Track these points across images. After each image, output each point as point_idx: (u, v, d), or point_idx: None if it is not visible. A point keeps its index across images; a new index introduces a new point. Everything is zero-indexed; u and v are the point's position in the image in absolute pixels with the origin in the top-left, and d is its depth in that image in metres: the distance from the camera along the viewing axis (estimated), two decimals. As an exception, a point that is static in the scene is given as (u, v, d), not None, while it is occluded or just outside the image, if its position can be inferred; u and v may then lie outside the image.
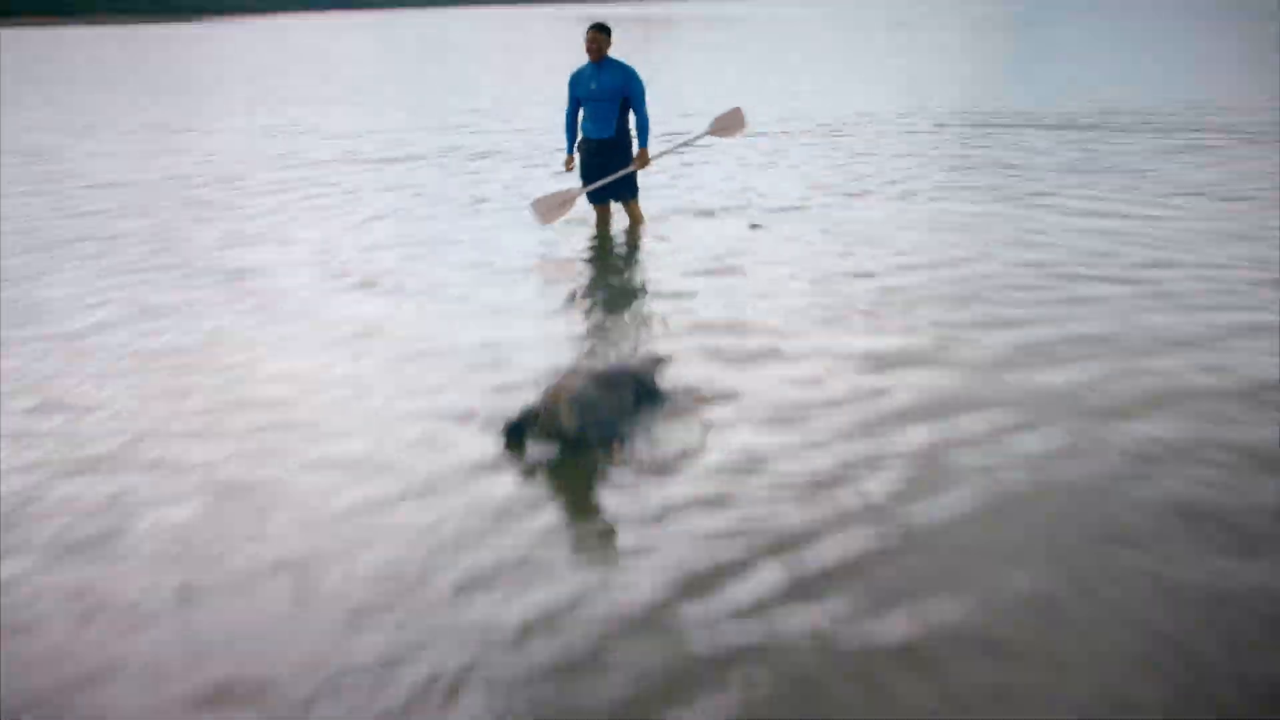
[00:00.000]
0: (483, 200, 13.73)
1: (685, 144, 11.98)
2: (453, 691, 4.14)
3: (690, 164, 15.93)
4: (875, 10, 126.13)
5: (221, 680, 4.31)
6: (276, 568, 5.10)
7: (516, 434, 5.92)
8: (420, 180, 15.53)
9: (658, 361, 7.13)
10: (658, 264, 10.31)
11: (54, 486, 5.99)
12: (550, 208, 10.60)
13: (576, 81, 10.37)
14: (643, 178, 11.78)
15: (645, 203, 11.99)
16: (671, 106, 22.00)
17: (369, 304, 9.30)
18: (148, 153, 19.29)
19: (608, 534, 5.32)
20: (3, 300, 9.66)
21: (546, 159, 16.37)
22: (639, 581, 4.82)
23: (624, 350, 7.80)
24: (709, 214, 12.26)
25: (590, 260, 10.65)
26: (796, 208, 12.62)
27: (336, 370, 7.68)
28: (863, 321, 8.32)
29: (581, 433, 5.75)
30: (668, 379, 6.96)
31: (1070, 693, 4.09)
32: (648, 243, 11.08)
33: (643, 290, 9.60)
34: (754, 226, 11.64)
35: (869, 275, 9.67)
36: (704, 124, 11.73)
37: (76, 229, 12.65)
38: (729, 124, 10.99)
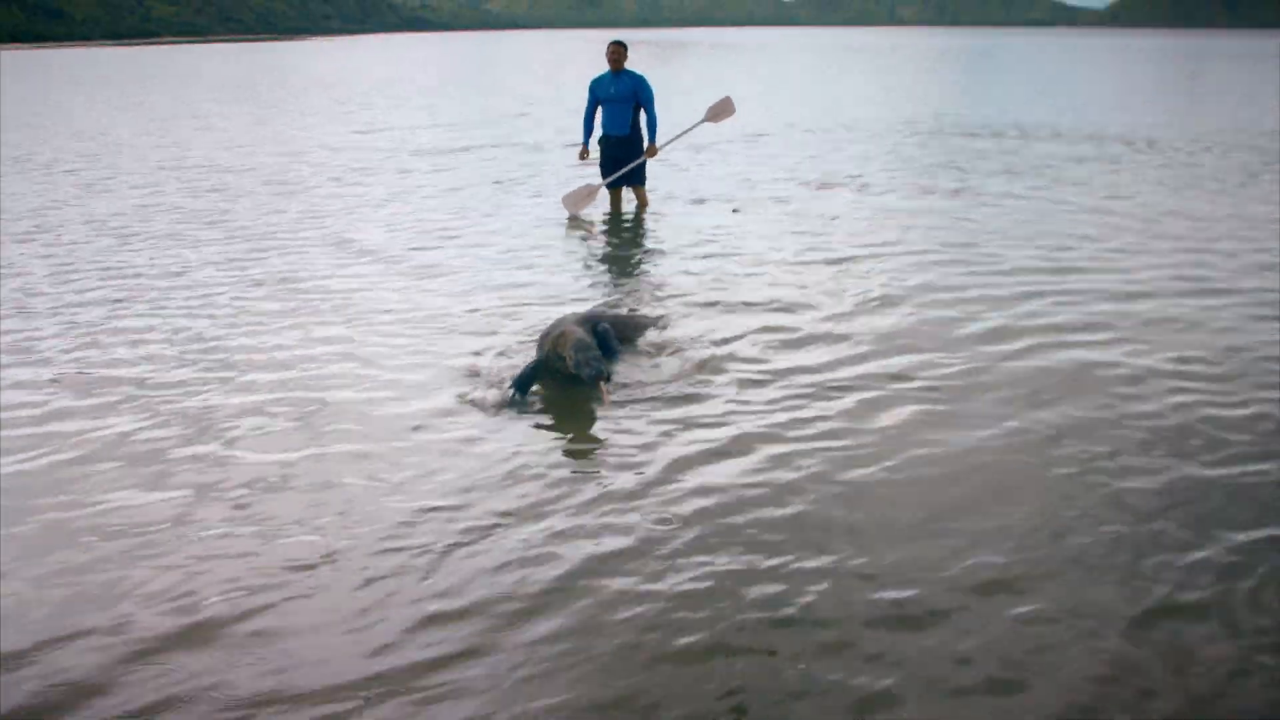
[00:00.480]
0: (519, 183, 13.79)
1: (685, 133, 11.87)
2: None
3: (694, 159, 15.88)
4: (850, 37, 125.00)
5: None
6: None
7: (525, 385, 5.80)
8: (475, 168, 15.57)
9: (647, 316, 7.19)
10: (656, 239, 10.37)
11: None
12: (578, 200, 10.83)
13: (597, 86, 10.61)
14: (653, 167, 12.02)
15: (655, 189, 12.19)
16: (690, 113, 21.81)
17: (432, 253, 9.82)
18: (254, 144, 19.23)
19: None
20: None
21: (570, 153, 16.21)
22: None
23: (620, 306, 7.85)
24: (701, 201, 12.30)
25: (604, 233, 10.79)
26: (776, 198, 12.54)
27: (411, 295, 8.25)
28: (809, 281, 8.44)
29: (578, 370, 5.65)
30: (654, 329, 7.02)
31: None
32: (649, 221, 11.11)
33: (643, 259, 9.64)
34: (735, 211, 11.67)
35: (823, 250, 9.68)
36: (700, 114, 11.69)
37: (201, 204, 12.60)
38: (720, 110, 11.02)
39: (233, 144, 19.25)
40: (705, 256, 9.48)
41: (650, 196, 11.77)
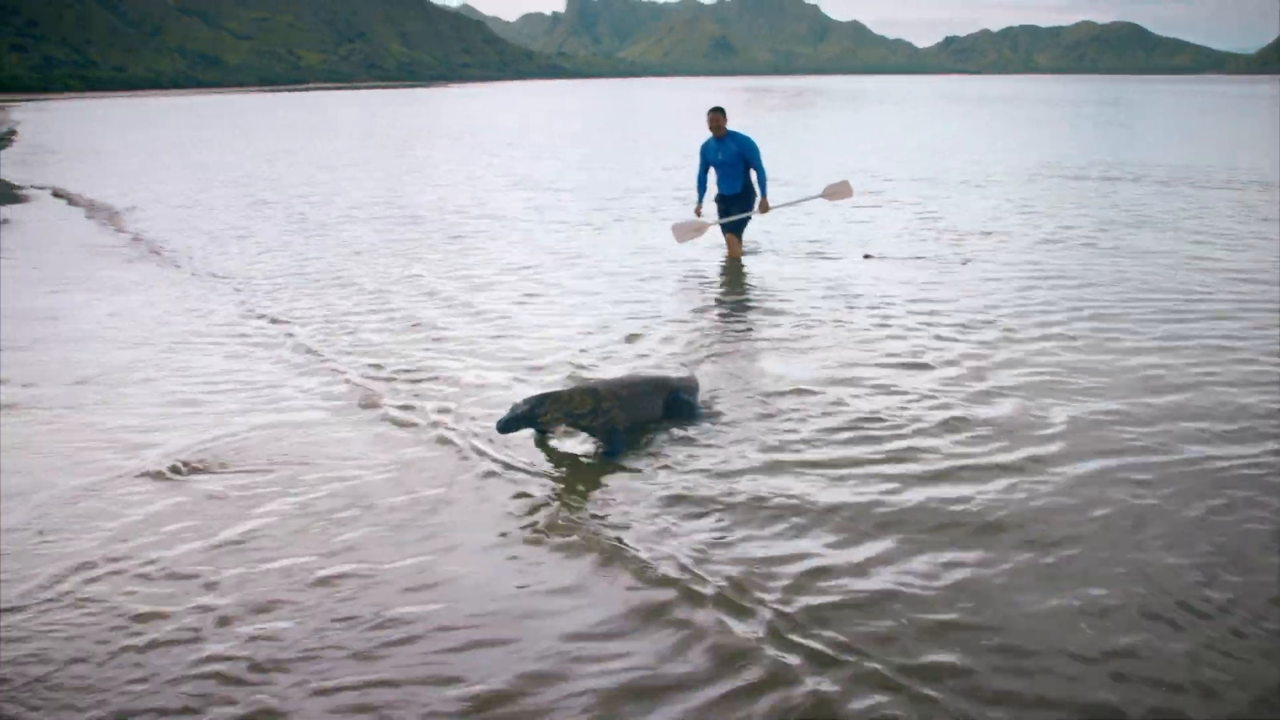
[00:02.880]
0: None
1: (799, 202, 12.05)
2: None
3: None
4: (985, 86, 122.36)
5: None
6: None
7: (516, 426, 5.07)
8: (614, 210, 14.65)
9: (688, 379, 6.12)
10: (783, 284, 9.53)
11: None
12: (686, 231, 10.93)
13: (706, 151, 10.76)
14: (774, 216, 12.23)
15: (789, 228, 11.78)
16: (842, 163, 20.78)
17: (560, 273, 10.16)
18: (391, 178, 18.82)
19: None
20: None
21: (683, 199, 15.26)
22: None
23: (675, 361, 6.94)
24: (827, 243, 11.65)
25: (715, 276, 10.24)
26: (908, 244, 11.53)
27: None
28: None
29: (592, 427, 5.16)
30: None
31: None
32: (766, 267, 10.36)
33: (743, 304, 8.56)
34: (867, 257, 10.82)
35: (952, 303, 8.34)
36: (818, 188, 11.63)
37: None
38: (837, 191, 11.11)
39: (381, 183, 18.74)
40: (832, 299, 8.38)
41: (780, 240, 11.62)
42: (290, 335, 7.74)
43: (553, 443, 5.33)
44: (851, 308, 8.31)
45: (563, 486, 4.79)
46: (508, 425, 5.01)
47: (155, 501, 4.59)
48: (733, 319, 8.13)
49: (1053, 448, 5.09)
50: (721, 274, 10.31)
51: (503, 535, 4.30)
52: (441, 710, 3.15)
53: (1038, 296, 8.53)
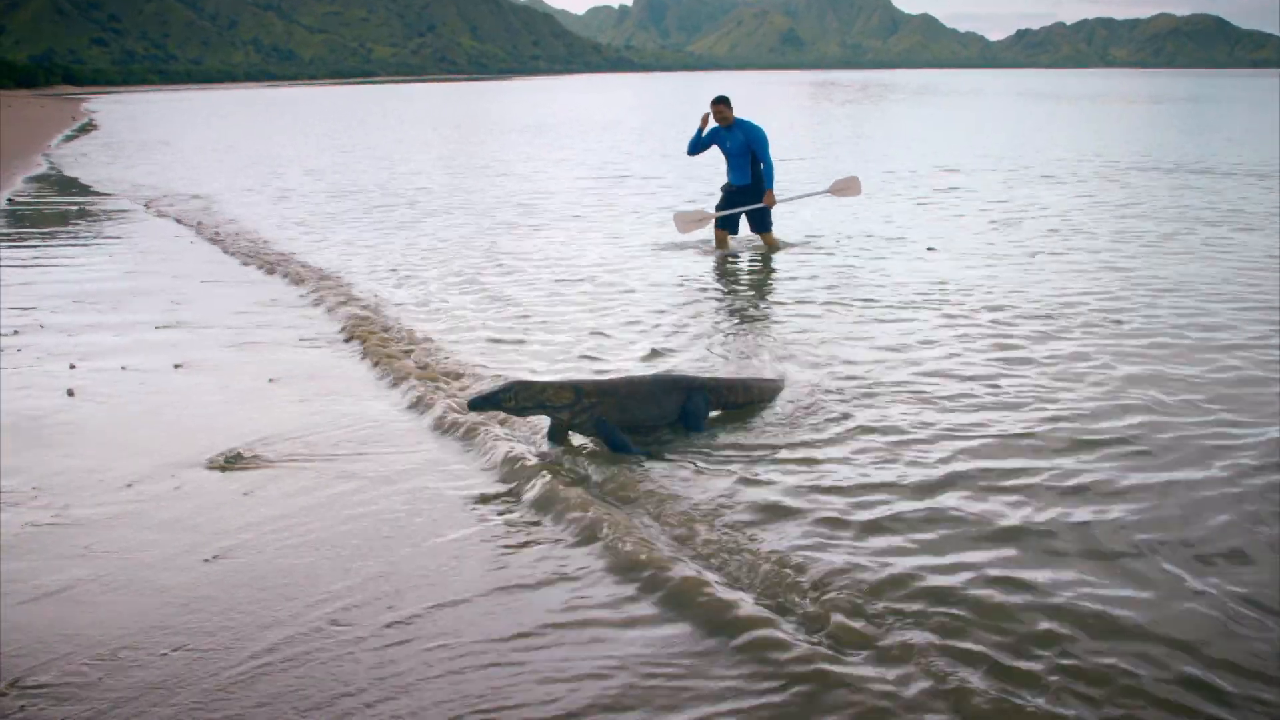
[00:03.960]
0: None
1: (804, 196, 11.78)
2: None
3: (889, 190, 14.17)
4: (1059, 80, 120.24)
5: None
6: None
7: (484, 405, 4.96)
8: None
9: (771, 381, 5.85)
10: (851, 277, 9.03)
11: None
12: (688, 222, 10.78)
13: (714, 136, 10.46)
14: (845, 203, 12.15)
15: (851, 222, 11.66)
16: (921, 157, 20.36)
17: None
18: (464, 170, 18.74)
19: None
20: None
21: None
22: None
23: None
24: (898, 239, 11.13)
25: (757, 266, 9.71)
26: (973, 236, 11.12)
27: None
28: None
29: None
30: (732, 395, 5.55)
31: None
32: (839, 258, 9.95)
33: (825, 302, 8.06)
34: (930, 250, 10.43)
35: (1018, 295, 7.87)
36: (825, 184, 11.58)
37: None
38: (846, 188, 11.05)
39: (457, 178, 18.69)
40: (899, 304, 7.99)
41: (843, 230, 11.37)
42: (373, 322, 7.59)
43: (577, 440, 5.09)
44: (918, 304, 7.91)
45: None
46: (477, 404, 4.94)
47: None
48: (797, 313, 7.77)
49: (1173, 459, 4.74)
50: (755, 267, 9.93)
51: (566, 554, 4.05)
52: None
53: (1114, 292, 8.09)
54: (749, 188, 10.42)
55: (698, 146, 10.45)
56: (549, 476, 4.55)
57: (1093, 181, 15.99)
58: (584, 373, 6.16)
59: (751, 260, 10.22)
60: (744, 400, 5.49)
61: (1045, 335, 6.87)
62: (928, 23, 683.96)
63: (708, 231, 10.79)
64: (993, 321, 7.28)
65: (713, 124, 10.35)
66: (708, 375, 5.79)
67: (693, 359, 6.58)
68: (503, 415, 5.21)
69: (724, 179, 10.60)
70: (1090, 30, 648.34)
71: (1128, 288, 8.33)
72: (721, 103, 10.25)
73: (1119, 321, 7.18)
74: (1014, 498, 4.31)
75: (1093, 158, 20.05)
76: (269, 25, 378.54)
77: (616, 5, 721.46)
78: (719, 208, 10.64)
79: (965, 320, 7.36)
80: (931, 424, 5.16)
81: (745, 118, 10.48)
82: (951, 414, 5.31)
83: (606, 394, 5.01)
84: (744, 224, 10.61)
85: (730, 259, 10.24)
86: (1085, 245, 10.39)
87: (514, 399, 4.89)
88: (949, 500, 4.28)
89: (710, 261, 10.12)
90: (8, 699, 3.03)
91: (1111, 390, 5.65)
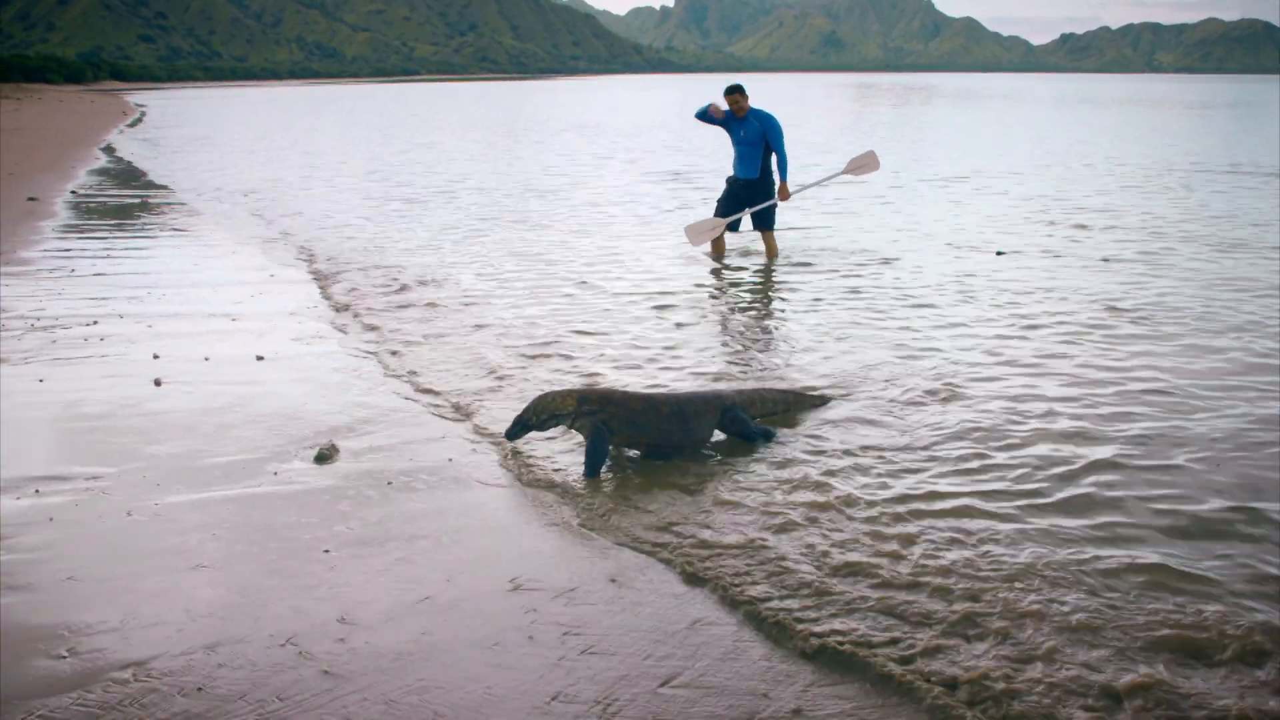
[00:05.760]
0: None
1: (823, 182, 11.37)
2: None
3: (947, 194, 14.02)
4: (1104, 85, 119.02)
5: None
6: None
7: (520, 431, 4.83)
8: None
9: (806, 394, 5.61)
10: (919, 284, 8.81)
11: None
12: (700, 232, 10.14)
13: (726, 125, 9.88)
14: (903, 204, 11.76)
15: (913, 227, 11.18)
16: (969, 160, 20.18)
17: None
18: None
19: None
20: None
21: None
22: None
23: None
24: (962, 244, 10.85)
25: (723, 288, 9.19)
26: (1039, 242, 10.89)
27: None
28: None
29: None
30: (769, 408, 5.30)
31: None
32: (904, 264, 9.68)
33: (879, 308, 7.92)
34: (999, 254, 10.20)
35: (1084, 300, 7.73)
36: (841, 165, 10.89)
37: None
38: (863, 164, 10.44)
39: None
40: (972, 301, 7.85)
41: (908, 234, 11.01)
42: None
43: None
44: (992, 315, 7.66)
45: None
46: (513, 432, 4.81)
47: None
48: (868, 319, 7.54)
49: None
50: (764, 276, 9.44)
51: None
52: None
53: (1191, 296, 7.96)
54: (756, 182, 9.88)
55: (705, 119, 9.82)
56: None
57: (1155, 182, 15.80)
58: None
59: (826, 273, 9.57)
60: (775, 411, 5.29)
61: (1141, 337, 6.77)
62: (970, 26, 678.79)
63: (733, 240, 10.41)
64: (1091, 326, 7.16)
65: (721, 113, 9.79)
66: (745, 389, 5.50)
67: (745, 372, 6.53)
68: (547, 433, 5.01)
69: (729, 171, 10.06)
70: (1136, 35, 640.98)
71: (1223, 289, 8.20)
72: (736, 92, 9.77)
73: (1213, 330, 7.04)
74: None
75: (1157, 161, 19.81)
76: (313, 23, 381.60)
77: (658, 6, 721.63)
78: (721, 200, 10.10)
79: (1053, 327, 7.18)
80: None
81: (760, 107, 9.95)
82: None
83: (622, 405, 4.79)
84: (745, 220, 10.11)
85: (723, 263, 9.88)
86: (1161, 245, 10.23)
87: (534, 415, 4.77)
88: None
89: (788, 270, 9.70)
90: (131, 685, 3.03)
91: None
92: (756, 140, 9.74)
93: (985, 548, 3.79)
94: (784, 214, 10.60)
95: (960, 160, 20.37)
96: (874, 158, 10.45)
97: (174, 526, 4.07)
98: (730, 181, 10.05)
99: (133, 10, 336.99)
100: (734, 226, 10.10)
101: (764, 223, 10.02)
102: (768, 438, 4.98)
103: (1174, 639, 3.19)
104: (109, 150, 25.00)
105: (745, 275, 9.53)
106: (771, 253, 10.09)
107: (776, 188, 9.89)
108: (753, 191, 9.91)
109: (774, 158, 9.86)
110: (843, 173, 10.57)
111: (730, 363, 6.49)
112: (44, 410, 5.47)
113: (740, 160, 9.89)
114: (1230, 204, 13.52)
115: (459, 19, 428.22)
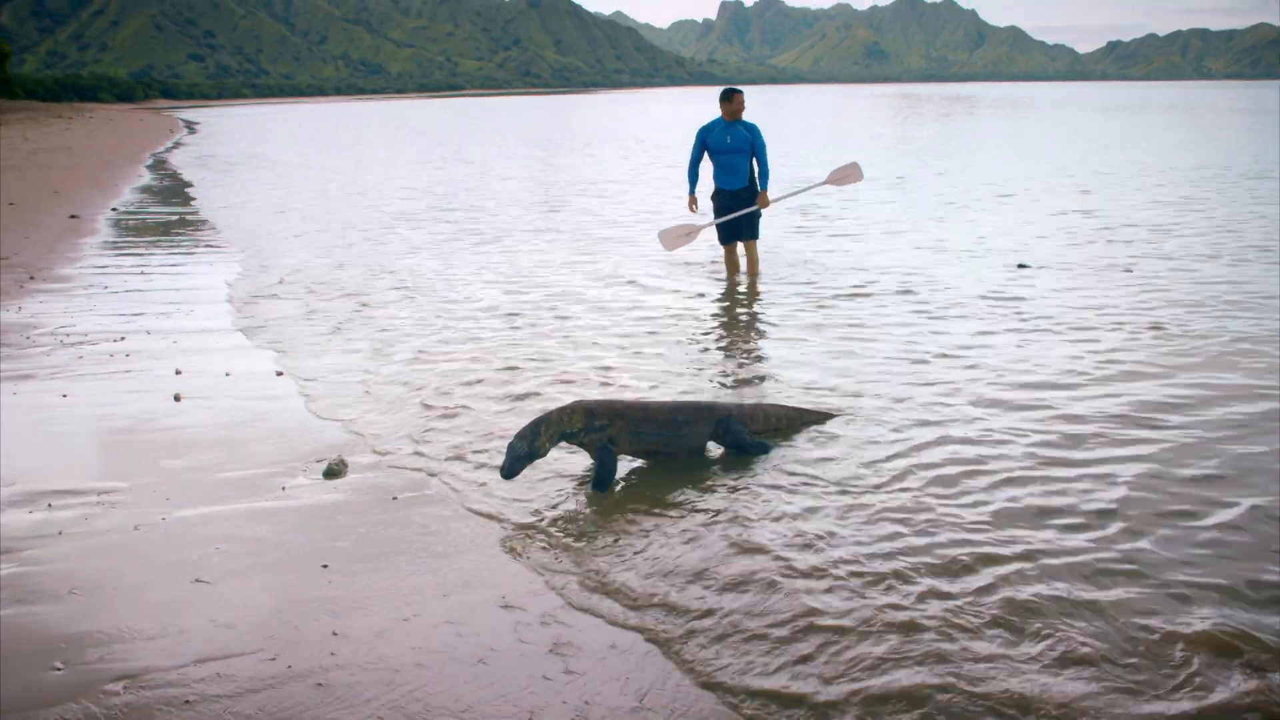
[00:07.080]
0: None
1: (803, 190, 11.47)
2: None
3: (974, 203, 13.92)
4: (1153, 92, 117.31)
5: None
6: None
7: (521, 466, 4.58)
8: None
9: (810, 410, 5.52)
10: (932, 295, 8.72)
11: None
12: (675, 237, 9.91)
13: (707, 134, 9.68)
14: (921, 214, 11.41)
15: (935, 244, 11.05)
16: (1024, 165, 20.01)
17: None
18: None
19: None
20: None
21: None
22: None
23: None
24: (982, 255, 10.79)
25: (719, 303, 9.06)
26: (1061, 252, 10.74)
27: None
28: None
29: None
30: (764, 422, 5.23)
31: None
32: (915, 279, 9.56)
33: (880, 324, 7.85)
34: (1021, 266, 10.04)
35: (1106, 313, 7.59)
36: (823, 174, 11.06)
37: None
38: (846, 176, 10.19)
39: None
40: (998, 313, 7.76)
41: (925, 249, 10.76)
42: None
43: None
44: (1019, 327, 7.54)
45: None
46: (513, 468, 4.52)
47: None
48: (893, 335, 7.45)
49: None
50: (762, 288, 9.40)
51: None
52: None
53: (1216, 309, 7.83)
54: (743, 191, 9.64)
55: (695, 163, 9.72)
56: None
57: (1188, 191, 15.57)
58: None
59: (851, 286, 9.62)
60: (778, 427, 5.24)
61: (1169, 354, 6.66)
62: (1015, 35, 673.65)
63: (708, 250, 10.23)
64: (1128, 342, 7.02)
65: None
66: (744, 403, 5.47)
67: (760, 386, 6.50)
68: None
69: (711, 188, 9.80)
70: (1184, 41, 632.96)
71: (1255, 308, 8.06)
72: (738, 93, 9.68)
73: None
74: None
75: (1197, 166, 19.52)
76: (358, 40, 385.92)
77: (700, 19, 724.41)
78: (717, 223, 9.80)
79: (1090, 344, 7.02)
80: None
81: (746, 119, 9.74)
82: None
83: (626, 418, 4.75)
84: (712, 231, 9.94)
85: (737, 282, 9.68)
86: (1190, 255, 10.09)
87: (544, 440, 4.59)
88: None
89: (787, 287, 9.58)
90: (121, 697, 3.09)
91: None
92: (745, 147, 9.57)
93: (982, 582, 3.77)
94: (796, 234, 10.53)
95: (1006, 170, 20.21)
96: (857, 169, 10.23)
97: (179, 541, 4.14)
98: (717, 196, 9.79)
99: (183, 30, 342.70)
100: (724, 238, 9.84)
101: (750, 232, 9.80)
102: (763, 451, 4.95)
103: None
104: (155, 166, 25.45)
105: (741, 291, 9.39)
106: (753, 262, 9.88)
107: (757, 196, 9.67)
108: (740, 202, 9.68)
109: (755, 166, 9.72)
110: (824, 183, 10.36)
111: (726, 382, 6.43)
112: (64, 425, 5.58)
113: (725, 170, 9.66)
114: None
115: (502, 34, 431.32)
